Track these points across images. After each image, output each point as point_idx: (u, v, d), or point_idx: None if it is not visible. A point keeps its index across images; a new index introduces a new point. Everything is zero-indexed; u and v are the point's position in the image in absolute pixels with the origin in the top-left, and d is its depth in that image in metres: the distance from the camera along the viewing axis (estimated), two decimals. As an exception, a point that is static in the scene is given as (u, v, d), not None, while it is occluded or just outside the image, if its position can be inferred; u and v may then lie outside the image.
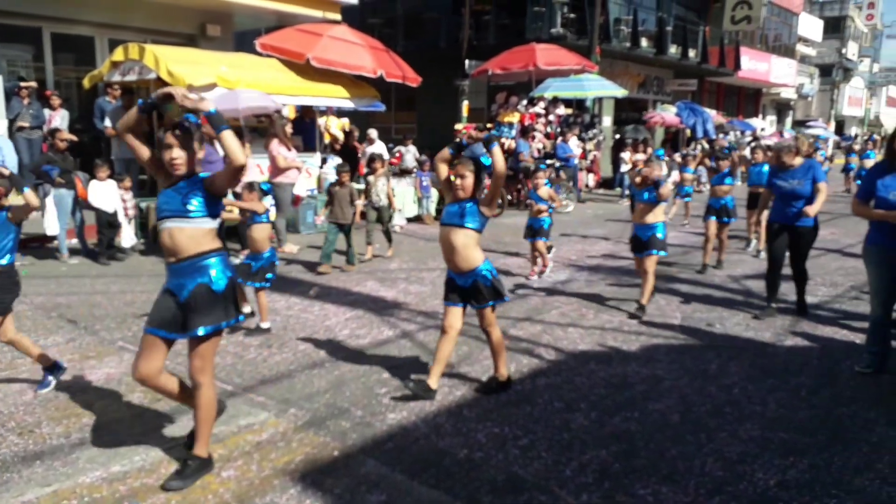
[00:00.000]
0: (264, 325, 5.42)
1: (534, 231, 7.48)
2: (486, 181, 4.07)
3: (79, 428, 3.71)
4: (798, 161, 5.79)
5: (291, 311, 6.10)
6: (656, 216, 6.06)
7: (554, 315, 6.12)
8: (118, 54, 9.18)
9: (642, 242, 6.08)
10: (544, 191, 7.56)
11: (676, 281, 7.52)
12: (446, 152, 4.08)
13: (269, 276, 5.48)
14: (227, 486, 3.15)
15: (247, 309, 5.44)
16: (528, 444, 3.59)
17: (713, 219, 8.08)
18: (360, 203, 7.91)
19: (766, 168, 8.15)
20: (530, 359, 4.93)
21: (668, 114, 19.59)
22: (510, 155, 13.75)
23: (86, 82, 9.95)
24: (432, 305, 6.31)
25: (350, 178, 7.82)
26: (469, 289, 4.08)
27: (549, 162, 11.55)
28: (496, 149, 3.89)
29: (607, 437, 3.70)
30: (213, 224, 3.17)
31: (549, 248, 7.95)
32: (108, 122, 9.78)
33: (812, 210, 5.64)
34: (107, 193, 7.81)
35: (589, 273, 7.86)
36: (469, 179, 3.92)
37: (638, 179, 6.13)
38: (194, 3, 11.28)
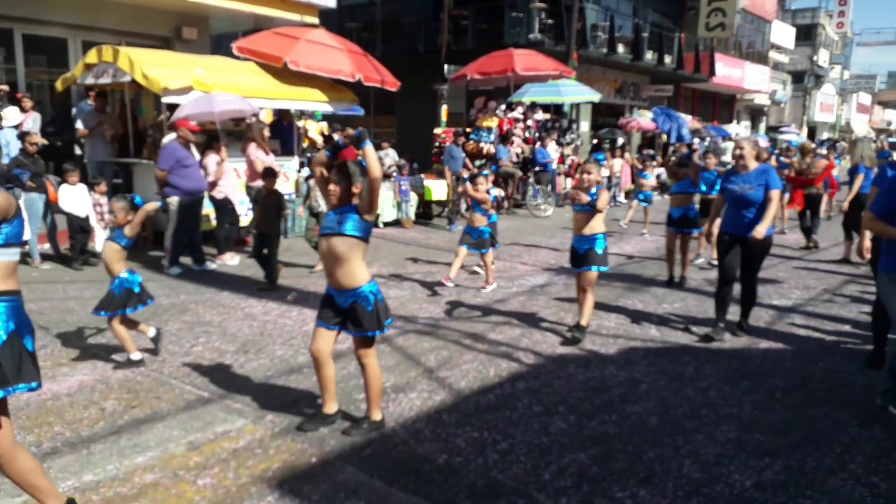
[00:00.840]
0: (134, 356, 4.69)
1: (475, 242, 7.04)
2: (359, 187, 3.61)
3: (51, 437, 3.64)
4: (753, 164, 5.38)
5: (269, 316, 6.04)
6: (594, 227, 5.39)
7: (533, 319, 6.13)
8: (91, 56, 9.04)
9: (579, 256, 5.48)
10: (481, 194, 7.08)
11: (653, 284, 7.59)
12: (323, 155, 3.69)
13: (131, 308, 4.70)
14: (204, 494, 3.11)
15: (151, 332, 4.88)
16: (507, 449, 3.59)
17: (672, 230, 7.55)
18: (288, 212, 7.27)
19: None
20: (509, 362, 4.94)
21: (644, 119, 19.79)
22: (489, 160, 13.79)
23: (59, 85, 9.78)
24: (411, 310, 6.30)
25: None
26: (348, 310, 3.62)
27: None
28: (368, 148, 3.38)
29: (585, 440, 3.71)
30: (10, 257, 2.53)
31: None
32: (79, 125, 9.64)
33: (762, 228, 5.12)
34: (78, 198, 7.69)
35: (567, 277, 7.89)
36: (341, 185, 3.57)
37: (571, 191, 5.48)
38: (169, 6, 11.16)
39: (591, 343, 5.44)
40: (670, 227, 7.59)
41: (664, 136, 18.86)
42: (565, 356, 5.12)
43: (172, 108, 8.62)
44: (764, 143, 23.73)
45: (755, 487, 3.26)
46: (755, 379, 4.69)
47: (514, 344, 5.37)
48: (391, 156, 13.18)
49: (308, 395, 4.25)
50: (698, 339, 5.58)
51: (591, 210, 5.33)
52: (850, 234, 8.87)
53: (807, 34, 40.04)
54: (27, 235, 7.58)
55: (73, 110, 10.29)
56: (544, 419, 3.97)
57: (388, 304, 5.69)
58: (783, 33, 35.64)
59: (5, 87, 9.67)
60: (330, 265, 3.58)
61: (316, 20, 12.62)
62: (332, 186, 3.56)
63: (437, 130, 15.02)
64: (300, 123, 11.36)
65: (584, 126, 20.77)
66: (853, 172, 8.79)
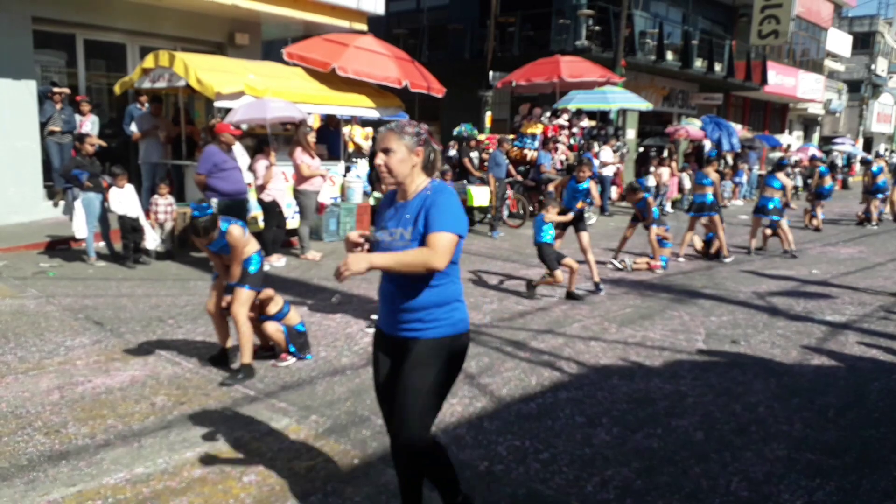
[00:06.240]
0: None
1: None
2: None
3: (104, 429, 3.75)
4: (419, 181, 2.56)
5: (313, 318, 6.13)
6: None
7: (575, 328, 6.08)
8: (149, 61, 9.33)
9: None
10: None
11: (700, 297, 7.44)
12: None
13: None
14: (249, 490, 3.17)
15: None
16: (548, 459, 3.56)
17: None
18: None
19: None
20: (551, 371, 4.90)
21: (692, 127, 19.44)
22: (532, 167, 13.74)
23: (117, 88, 10.11)
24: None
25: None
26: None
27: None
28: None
29: (629, 453, 3.66)
30: None
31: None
32: (133, 128, 9.95)
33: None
34: (127, 199, 7.93)
35: (611, 286, 7.80)
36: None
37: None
38: (223, 12, 11.45)
39: (635, 354, 5.36)
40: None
41: (711, 144, 18.49)
42: (609, 367, 5.06)
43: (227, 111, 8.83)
44: (814, 151, 23.06)
45: (806, 508, 3.16)
46: (806, 396, 4.56)
47: (556, 353, 5.33)
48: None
49: (351, 397, 4.29)
50: None
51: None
52: None
53: (864, 42, 38.84)
54: (84, 233, 7.87)
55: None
56: (587, 430, 3.93)
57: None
58: (839, 41, 34.63)
59: (67, 90, 10.06)
60: None
61: (364, 27, 12.79)
62: None
63: (481, 137, 15.04)
64: (346, 129, 11.52)
65: (631, 134, 20.53)
66: None
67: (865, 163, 15.84)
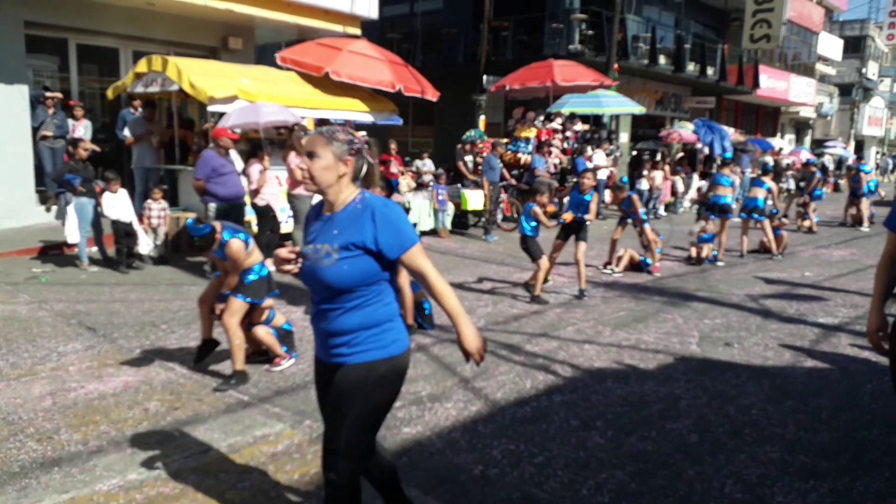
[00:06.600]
0: None
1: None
2: None
3: (97, 435, 3.73)
4: (348, 191, 2.41)
5: (306, 322, 6.11)
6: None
7: (570, 331, 6.09)
8: (141, 66, 9.31)
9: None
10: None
11: (694, 299, 7.46)
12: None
13: None
14: (243, 496, 3.15)
15: None
16: (543, 462, 3.57)
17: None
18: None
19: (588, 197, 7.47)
20: (546, 375, 4.90)
21: (685, 131, 19.51)
22: (526, 170, 13.77)
23: (109, 93, 10.08)
24: (447, 319, 6.29)
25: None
26: None
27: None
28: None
29: (624, 456, 3.66)
30: None
31: None
32: (127, 132, 9.92)
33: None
34: (120, 204, 7.91)
35: (604, 289, 7.82)
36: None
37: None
38: (217, 17, 11.44)
39: (629, 357, 5.37)
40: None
41: (706, 149, 18.55)
42: (603, 370, 5.07)
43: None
44: (807, 155, 23.18)
45: (800, 510, 3.17)
46: (799, 399, 4.57)
47: (550, 356, 5.33)
48: (428, 166, 13.29)
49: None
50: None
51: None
52: None
53: (855, 46, 39.10)
54: (76, 238, 7.84)
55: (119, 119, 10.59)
56: (582, 434, 3.93)
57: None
58: (830, 45, 34.86)
59: (59, 95, 10.03)
60: None
61: (358, 31, 12.80)
62: None
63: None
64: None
65: (624, 137, 20.58)
66: None
67: (852, 169, 16.02)
